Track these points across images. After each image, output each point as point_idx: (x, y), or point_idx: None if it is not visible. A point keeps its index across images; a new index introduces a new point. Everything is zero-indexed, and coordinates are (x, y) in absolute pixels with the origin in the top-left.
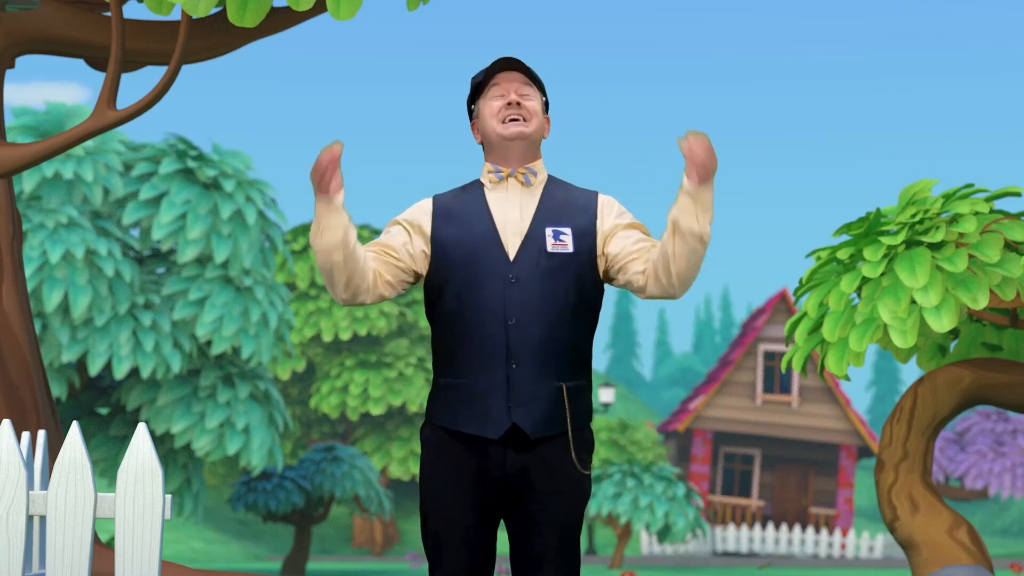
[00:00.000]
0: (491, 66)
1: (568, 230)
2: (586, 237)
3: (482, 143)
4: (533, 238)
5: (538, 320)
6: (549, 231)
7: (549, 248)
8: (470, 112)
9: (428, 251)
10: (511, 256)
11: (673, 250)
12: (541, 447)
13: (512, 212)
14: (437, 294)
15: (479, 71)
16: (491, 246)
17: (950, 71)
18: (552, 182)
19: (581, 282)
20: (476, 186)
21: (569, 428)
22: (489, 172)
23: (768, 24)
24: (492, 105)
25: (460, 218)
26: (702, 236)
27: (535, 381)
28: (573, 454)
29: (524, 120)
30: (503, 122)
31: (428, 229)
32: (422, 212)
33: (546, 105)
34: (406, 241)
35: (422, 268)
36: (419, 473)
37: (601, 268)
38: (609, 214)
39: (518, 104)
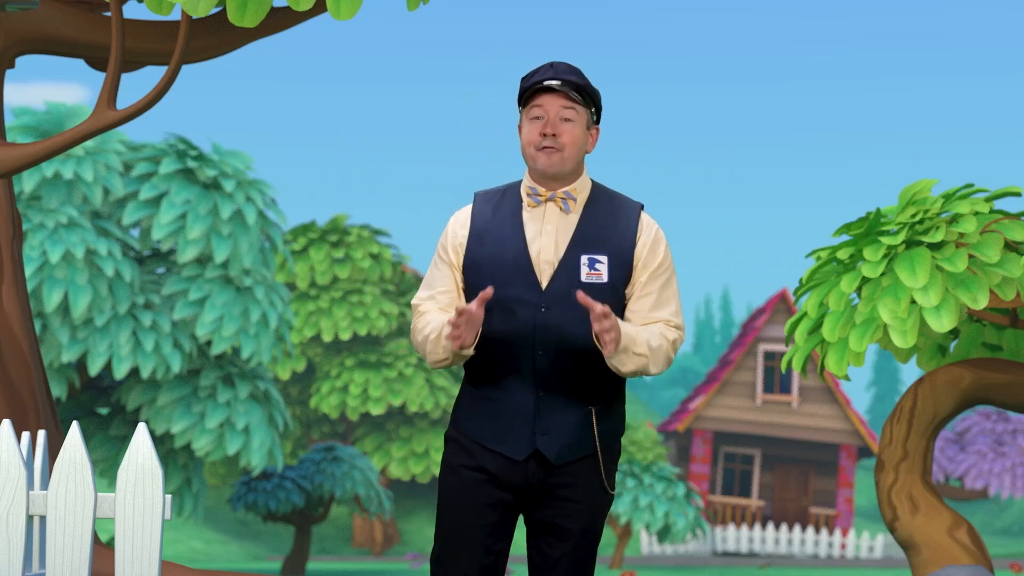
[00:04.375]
0: (538, 78)
1: (604, 259)
2: (622, 267)
3: None
4: (567, 268)
5: (568, 349)
6: (584, 259)
7: (583, 278)
8: (520, 112)
9: (462, 268)
10: (543, 285)
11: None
12: (567, 464)
13: (547, 239)
14: None
15: (530, 73)
16: (524, 274)
17: (950, 71)
18: (593, 199)
19: (614, 307)
20: (515, 198)
21: (598, 450)
22: (528, 195)
23: (768, 24)
24: (530, 131)
25: (495, 238)
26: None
27: (563, 409)
28: (603, 477)
29: (558, 151)
30: (537, 150)
31: (463, 250)
32: (459, 228)
33: (597, 114)
34: (453, 284)
35: None
36: (439, 469)
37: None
38: (645, 245)
39: (554, 135)
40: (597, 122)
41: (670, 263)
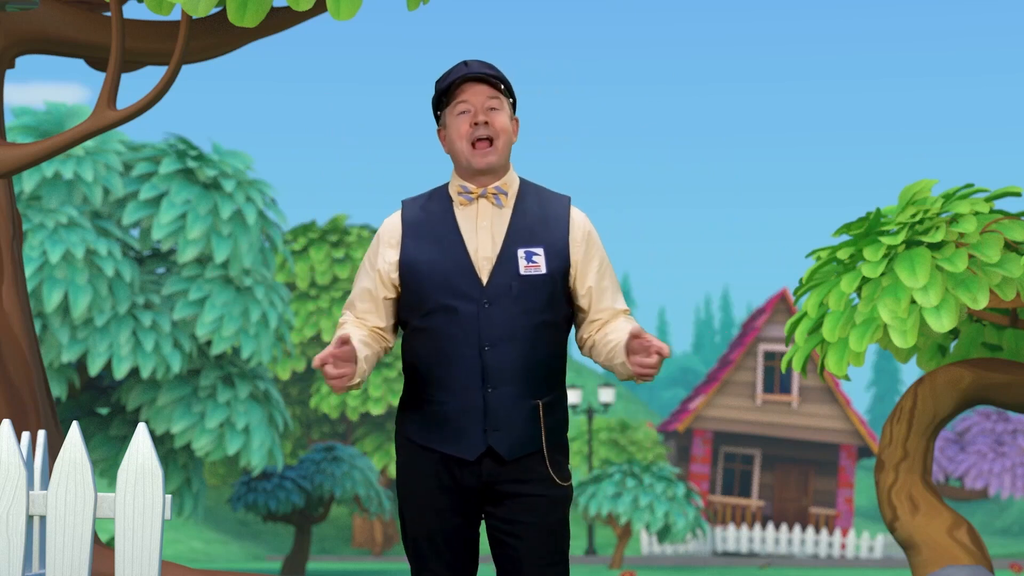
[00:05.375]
0: (455, 75)
1: (540, 250)
2: (559, 257)
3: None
4: (505, 261)
5: (513, 343)
6: (521, 253)
7: (522, 271)
8: (436, 117)
9: (396, 276)
10: (484, 280)
11: (607, 364)
12: (518, 459)
13: (483, 235)
14: (409, 313)
15: (443, 75)
16: (463, 271)
17: (950, 71)
18: (523, 193)
19: (555, 299)
20: (445, 199)
21: (544, 445)
22: (459, 193)
23: (768, 24)
24: (459, 125)
25: (430, 239)
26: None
27: (512, 404)
28: (549, 469)
29: (492, 142)
30: (472, 145)
31: (397, 256)
32: (390, 238)
33: (513, 105)
34: (371, 294)
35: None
36: (396, 478)
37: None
38: (582, 238)
39: (486, 123)
40: (514, 112)
41: (603, 247)
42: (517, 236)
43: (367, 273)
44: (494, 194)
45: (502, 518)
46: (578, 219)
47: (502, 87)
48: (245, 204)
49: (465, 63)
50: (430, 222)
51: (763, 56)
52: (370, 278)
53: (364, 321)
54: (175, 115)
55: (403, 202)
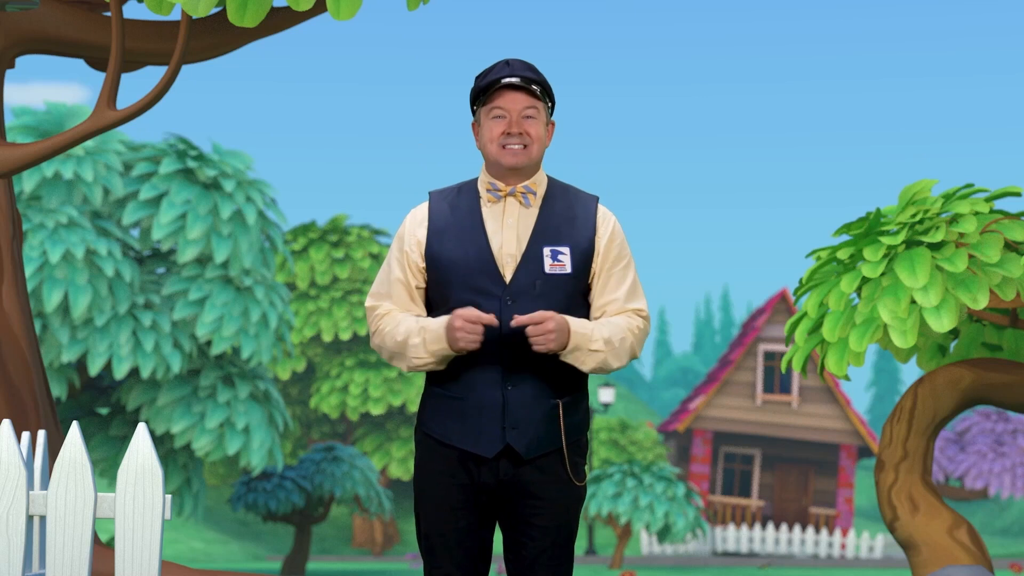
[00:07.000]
0: (496, 76)
1: (566, 249)
2: (584, 256)
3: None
4: (530, 260)
5: None
6: (547, 251)
7: (547, 269)
8: (473, 110)
9: (423, 265)
10: (507, 278)
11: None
12: (536, 458)
13: (509, 233)
14: (433, 307)
15: (485, 71)
16: (487, 268)
17: (950, 71)
18: (551, 193)
19: (578, 299)
20: (473, 195)
21: (564, 443)
22: (488, 190)
23: (767, 24)
24: (493, 128)
25: (455, 234)
26: (595, 370)
27: (531, 402)
28: (568, 469)
29: (524, 147)
30: (503, 148)
31: (423, 247)
32: (416, 227)
33: (551, 109)
34: (407, 284)
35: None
36: (413, 473)
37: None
38: (611, 238)
39: (519, 133)
40: (551, 115)
41: (630, 252)
42: (543, 235)
43: (395, 264)
44: (522, 193)
45: (518, 518)
46: (607, 219)
47: (539, 92)
48: (245, 204)
49: (507, 63)
50: (456, 217)
51: (763, 56)
52: (402, 268)
53: (410, 313)
54: (175, 115)
55: (430, 193)
